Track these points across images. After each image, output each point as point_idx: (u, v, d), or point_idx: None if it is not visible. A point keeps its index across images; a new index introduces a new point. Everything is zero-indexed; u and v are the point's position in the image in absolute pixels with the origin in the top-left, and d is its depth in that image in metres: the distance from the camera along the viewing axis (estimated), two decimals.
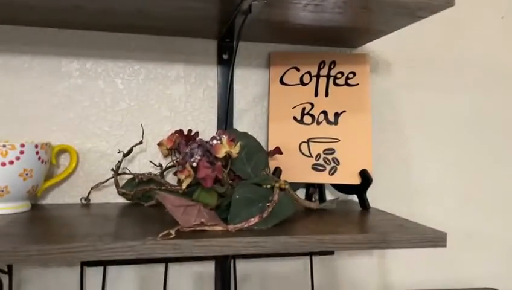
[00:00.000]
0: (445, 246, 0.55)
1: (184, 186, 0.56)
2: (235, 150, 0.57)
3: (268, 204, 0.56)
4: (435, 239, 0.55)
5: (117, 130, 0.72)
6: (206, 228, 0.52)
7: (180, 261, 0.73)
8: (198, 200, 0.57)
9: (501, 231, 0.87)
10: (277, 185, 0.59)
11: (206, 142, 0.59)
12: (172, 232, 0.49)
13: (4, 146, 0.58)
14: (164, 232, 0.48)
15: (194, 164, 0.56)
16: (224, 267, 0.75)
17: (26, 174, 0.60)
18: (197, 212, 0.53)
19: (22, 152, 0.59)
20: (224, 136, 0.58)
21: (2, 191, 0.59)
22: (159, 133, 0.73)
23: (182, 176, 0.56)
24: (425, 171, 0.84)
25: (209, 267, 0.76)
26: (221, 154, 0.57)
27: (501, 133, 0.87)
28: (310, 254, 0.77)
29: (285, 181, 0.60)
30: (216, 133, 0.59)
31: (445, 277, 0.83)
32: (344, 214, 0.65)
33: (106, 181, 0.68)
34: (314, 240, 0.52)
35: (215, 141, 0.57)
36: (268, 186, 0.60)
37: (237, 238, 0.50)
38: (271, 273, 0.78)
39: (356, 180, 0.71)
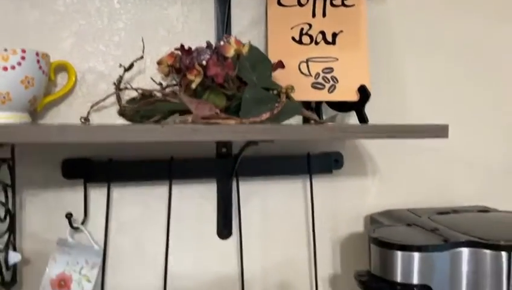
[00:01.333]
0: (447, 136, 0.58)
1: (194, 86, 0.56)
2: (244, 49, 0.58)
3: (277, 104, 0.57)
4: (438, 130, 0.57)
5: (115, 50, 0.71)
6: (220, 121, 0.53)
7: (183, 178, 0.73)
8: (208, 101, 0.57)
9: (488, 151, 0.91)
10: (284, 89, 0.60)
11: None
12: (189, 118, 0.49)
13: (5, 50, 0.56)
14: (181, 118, 0.49)
15: (204, 62, 0.56)
16: (226, 187, 0.75)
17: (28, 82, 0.59)
18: (210, 108, 0.53)
19: (23, 58, 0.57)
20: (231, 37, 0.58)
21: (4, 97, 0.57)
22: (157, 53, 0.72)
23: (192, 76, 0.56)
24: (420, 91, 0.86)
25: (212, 188, 0.76)
26: (230, 53, 0.57)
27: (492, 55, 0.90)
28: (310, 174, 0.79)
29: (291, 86, 0.61)
30: (223, 37, 0.59)
31: (439, 197, 0.87)
32: None
33: (106, 98, 0.67)
34: (326, 129, 0.53)
35: (222, 42, 0.58)
36: (275, 91, 0.61)
37: (253, 125, 0.51)
38: (271, 193, 0.79)
39: (354, 97, 0.73)
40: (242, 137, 0.50)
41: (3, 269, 0.59)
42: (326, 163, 0.81)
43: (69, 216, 0.65)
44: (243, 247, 0.78)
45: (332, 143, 0.82)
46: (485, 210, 0.81)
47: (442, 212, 0.78)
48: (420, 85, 0.86)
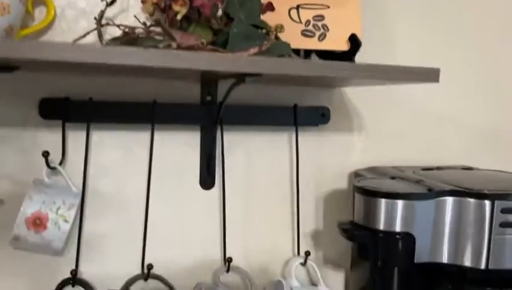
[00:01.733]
0: (437, 81, 0.57)
1: (179, 17, 0.54)
2: None
3: (265, 42, 0.55)
4: (429, 73, 0.56)
5: None
6: (205, 52, 0.51)
7: (166, 123, 0.71)
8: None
9: (473, 113, 0.91)
10: (273, 28, 0.58)
11: None
12: (174, 44, 0.47)
13: None
14: (165, 43, 0.46)
15: None
16: (210, 135, 0.74)
17: (4, 9, 0.55)
18: (195, 38, 0.51)
19: None
20: None
21: None
22: None
23: (177, 7, 0.54)
24: (411, 43, 0.85)
25: (196, 136, 0.74)
26: None
27: (482, 8, 0.89)
28: (296, 126, 0.77)
29: (281, 25, 0.59)
30: None
31: (424, 155, 0.86)
32: None
33: (87, 35, 0.64)
34: (318, 65, 0.52)
35: None
36: (264, 30, 0.59)
37: (241, 56, 0.49)
38: (256, 144, 0.78)
39: (345, 47, 0.71)
40: (229, 67, 0.48)
41: None
42: (313, 117, 0.79)
43: (45, 154, 0.62)
44: (226, 199, 0.76)
45: (319, 97, 0.81)
46: (468, 168, 0.81)
47: (427, 168, 0.78)
48: (412, 37, 0.85)
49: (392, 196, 0.62)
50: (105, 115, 0.66)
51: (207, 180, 0.76)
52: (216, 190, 0.77)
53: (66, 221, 0.60)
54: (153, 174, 0.72)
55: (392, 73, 0.57)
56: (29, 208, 0.59)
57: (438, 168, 0.79)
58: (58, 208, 0.60)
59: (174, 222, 0.74)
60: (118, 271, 0.71)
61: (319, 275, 0.77)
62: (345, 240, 0.81)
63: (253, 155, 0.78)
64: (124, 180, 0.71)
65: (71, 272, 0.65)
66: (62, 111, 0.65)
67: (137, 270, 0.72)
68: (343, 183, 0.84)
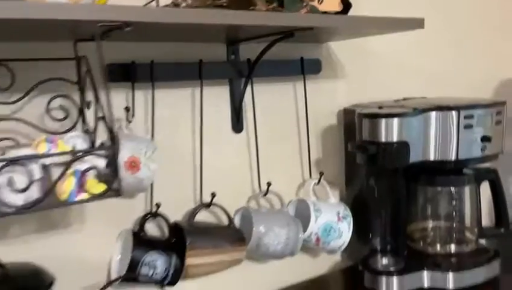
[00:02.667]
0: (423, 27, 0.80)
1: None
2: None
3: (307, 6, 0.73)
4: (415, 22, 0.78)
5: None
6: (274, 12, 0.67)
7: (206, 79, 0.85)
8: None
9: (430, 62, 1.17)
10: None
11: None
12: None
13: None
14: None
15: None
16: (237, 87, 0.90)
17: None
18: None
19: None
20: None
21: None
22: None
23: None
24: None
25: (225, 89, 0.90)
26: None
27: None
28: (303, 74, 0.96)
29: None
30: None
31: (391, 95, 1.10)
32: None
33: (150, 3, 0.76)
34: (345, 19, 0.71)
35: None
36: None
37: (299, 14, 0.66)
38: (271, 93, 0.96)
39: (337, 7, 0.91)
40: (291, 23, 0.65)
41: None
42: (312, 67, 0.99)
43: (127, 110, 0.74)
44: (251, 139, 0.94)
45: (312, 51, 1.00)
46: (424, 97, 1.07)
47: (398, 100, 1.03)
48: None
49: (390, 116, 0.85)
50: (161, 75, 0.79)
51: (237, 125, 0.93)
52: (244, 132, 0.93)
53: (153, 162, 0.73)
54: (197, 124, 0.86)
55: (385, 24, 0.79)
56: (125, 154, 0.71)
57: (404, 99, 1.04)
58: (146, 152, 0.73)
59: (216, 160, 0.90)
60: (179, 205, 0.86)
61: (329, 191, 0.98)
62: (339, 165, 1.05)
63: (269, 101, 0.96)
64: (176, 129, 0.85)
65: (156, 205, 0.79)
66: (130, 74, 0.77)
67: (192, 204, 0.87)
68: (333, 120, 1.06)
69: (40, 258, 0.69)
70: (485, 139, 0.88)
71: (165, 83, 0.82)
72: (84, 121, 0.68)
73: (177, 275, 0.77)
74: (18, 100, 0.66)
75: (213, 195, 0.84)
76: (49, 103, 0.67)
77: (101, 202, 0.77)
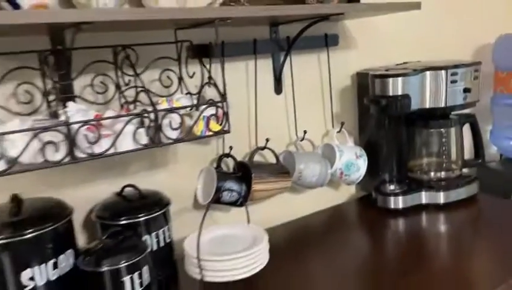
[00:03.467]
0: (419, 8, 1.07)
1: None
2: None
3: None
4: (412, 5, 1.06)
5: None
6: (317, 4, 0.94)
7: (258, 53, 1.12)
8: None
9: (423, 36, 1.45)
10: None
11: None
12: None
13: None
14: None
15: None
16: (278, 59, 1.17)
17: None
18: None
19: None
20: None
21: None
22: None
23: None
24: None
25: (269, 61, 1.17)
26: None
27: None
28: (327, 47, 1.24)
29: None
30: None
31: (385, 59, 1.39)
32: None
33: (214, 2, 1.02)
34: (356, 6, 0.99)
35: None
36: None
37: (333, 3, 0.94)
38: (302, 62, 1.23)
39: None
40: (329, 11, 0.93)
41: None
42: (332, 41, 1.26)
43: (209, 77, 1.02)
44: (288, 99, 1.22)
45: (332, 28, 1.27)
46: (419, 61, 1.36)
47: (399, 64, 1.32)
48: None
49: (396, 76, 1.14)
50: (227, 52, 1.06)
51: (277, 88, 1.20)
52: (283, 94, 1.21)
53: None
54: (252, 86, 1.14)
55: (388, 8, 1.06)
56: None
57: (404, 62, 1.33)
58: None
59: (264, 115, 1.18)
60: (241, 149, 1.14)
61: (347, 137, 1.28)
62: (353, 117, 1.34)
63: (301, 68, 1.23)
64: (238, 91, 1.12)
65: (230, 147, 1.07)
66: (208, 51, 1.03)
67: (248, 148, 1.16)
68: (348, 82, 1.34)
69: (150, 187, 0.98)
70: (466, 90, 1.17)
71: (230, 58, 1.09)
72: (185, 86, 0.96)
73: (245, 198, 1.07)
74: (142, 73, 0.92)
75: (267, 140, 1.13)
76: (160, 74, 0.94)
77: (188, 147, 1.06)
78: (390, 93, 1.15)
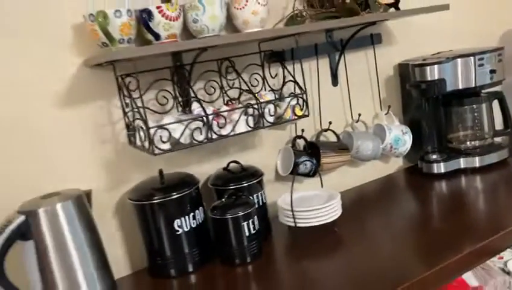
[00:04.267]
0: (448, 9, 1.33)
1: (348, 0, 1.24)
2: None
3: (380, 8, 1.28)
4: (442, 7, 1.32)
5: None
6: (366, 15, 1.22)
7: (317, 55, 1.42)
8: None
9: (458, 27, 1.70)
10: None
11: None
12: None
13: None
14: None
15: None
16: (333, 57, 1.46)
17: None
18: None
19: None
20: None
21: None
22: None
23: None
24: None
25: (326, 60, 1.46)
26: None
27: None
28: (373, 45, 1.51)
29: None
30: None
31: (422, 50, 1.64)
32: None
33: (281, 20, 1.32)
34: (394, 13, 1.26)
35: None
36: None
37: (380, 13, 1.22)
38: (351, 59, 1.51)
39: (392, 0, 1.45)
40: (378, 18, 1.20)
41: None
42: (376, 39, 1.54)
43: (284, 76, 1.31)
44: (344, 90, 1.50)
45: (376, 28, 1.54)
46: (450, 50, 1.61)
47: (434, 54, 1.57)
48: None
49: (433, 64, 1.40)
50: (297, 55, 1.36)
51: (334, 81, 1.49)
52: (338, 86, 1.50)
53: None
54: (315, 80, 1.43)
55: (420, 10, 1.33)
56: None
57: (438, 52, 1.59)
58: None
59: (327, 103, 1.47)
60: (308, 130, 1.44)
61: (394, 117, 1.54)
62: (397, 100, 1.60)
63: (352, 64, 1.51)
64: (306, 86, 1.42)
65: (302, 130, 1.37)
66: (282, 56, 1.33)
67: (313, 130, 1.45)
68: (391, 72, 1.61)
69: (245, 164, 1.29)
70: (492, 71, 1.42)
71: (297, 60, 1.38)
72: (268, 84, 1.26)
73: (316, 169, 1.36)
74: (236, 78, 1.23)
75: (330, 123, 1.42)
76: (250, 77, 1.25)
77: (269, 133, 1.37)
78: (429, 79, 1.41)
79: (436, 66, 1.40)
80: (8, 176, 1.02)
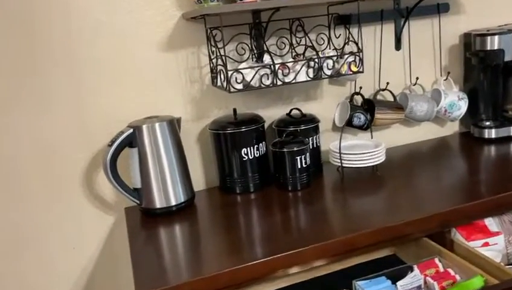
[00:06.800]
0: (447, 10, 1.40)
1: None
2: None
3: None
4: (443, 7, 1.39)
5: None
6: None
7: (384, 20, 1.56)
8: None
9: None
10: None
11: None
12: None
13: None
14: None
15: None
16: (399, 24, 1.59)
17: None
18: None
19: None
20: None
21: None
22: None
23: None
24: None
25: (392, 25, 1.60)
26: None
27: None
28: (439, 13, 1.62)
29: None
30: None
31: (489, 21, 1.70)
32: None
33: None
34: None
35: None
36: None
37: None
38: (417, 26, 1.63)
39: None
40: None
41: None
42: (443, 8, 1.63)
43: (348, 37, 1.49)
44: (406, 55, 1.63)
45: None
46: None
47: (500, 25, 1.63)
48: None
49: (493, 34, 1.48)
50: (363, 19, 1.51)
51: (397, 45, 1.63)
52: (401, 50, 1.63)
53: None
54: (378, 45, 1.58)
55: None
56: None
57: (506, 24, 1.64)
58: None
59: (387, 65, 1.62)
60: (367, 89, 1.61)
61: (452, 83, 1.65)
62: (459, 68, 1.70)
63: (417, 31, 1.63)
64: (369, 48, 1.57)
65: (360, 87, 1.55)
66: (348, 19, 1.50)
67: (372, 90, 1.61)
68: (456, 41, 1.70)
69: (306, 112, 1.50)
70: None
71: (364, 24, 1.54)
72: (332, 44, 1.45)
73: (369, 124, 1.54)
74: (304, 36, 1.43)
75: (387, 83, 1.57)
76: (317, 36, 1.45)
77: (330, 87, 1.57)
78: (488, 48, 1.50)
79: (496, 37, 1.48)
80: (125, 102, 1.35)
